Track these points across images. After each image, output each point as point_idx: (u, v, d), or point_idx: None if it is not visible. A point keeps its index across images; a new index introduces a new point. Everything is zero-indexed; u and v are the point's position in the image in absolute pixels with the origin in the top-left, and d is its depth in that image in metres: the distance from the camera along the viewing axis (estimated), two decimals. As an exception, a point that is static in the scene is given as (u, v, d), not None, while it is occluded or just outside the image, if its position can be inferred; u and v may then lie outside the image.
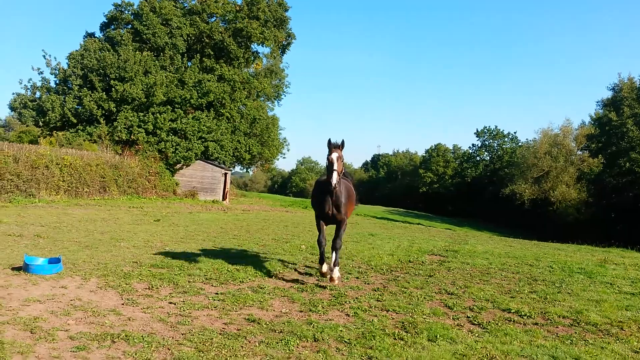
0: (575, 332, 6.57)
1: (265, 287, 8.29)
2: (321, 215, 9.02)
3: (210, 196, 36.07)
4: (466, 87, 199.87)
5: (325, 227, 9.13)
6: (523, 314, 7.30)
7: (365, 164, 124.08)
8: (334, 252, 8.97)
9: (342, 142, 8.65)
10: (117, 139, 33.42)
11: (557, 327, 6.80)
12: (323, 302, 7.49)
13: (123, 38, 35.88)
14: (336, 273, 8.77)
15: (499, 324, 6.75)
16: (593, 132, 55.96)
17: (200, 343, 5.42)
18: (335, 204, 8.76)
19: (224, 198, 37.19)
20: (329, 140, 8.56)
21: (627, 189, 47.57)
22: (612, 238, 30.96)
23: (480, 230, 44.48)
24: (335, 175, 8.12)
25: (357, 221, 29.62)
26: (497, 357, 5.45)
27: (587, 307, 7.83)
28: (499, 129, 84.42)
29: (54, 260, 8.57)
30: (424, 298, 8.10)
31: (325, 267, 8.89)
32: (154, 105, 34.42)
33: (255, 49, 43.23)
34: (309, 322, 6.40)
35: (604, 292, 9.05)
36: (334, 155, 8.33)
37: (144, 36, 36.45)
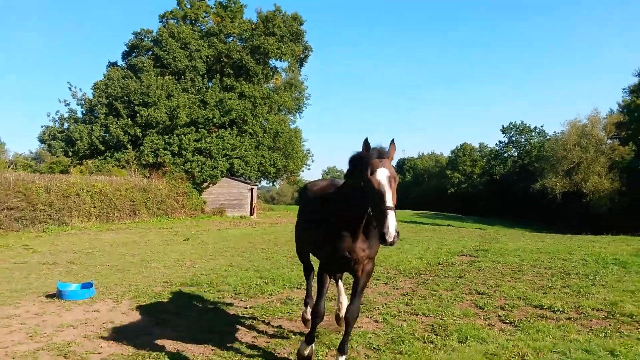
0: (610, 325, 6.42)
1: (294, 299, 8.33)
2: (331, 262, 4.97)
3: (238, 212, 36.43)
4: (487, 86, 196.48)
5: (328, 282, 5.11)
6: (556, 309, 7.17)
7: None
8: (346, 326, 5.08)
9: (392, 142, 4.49)
10: (144, 162, 34.13)
11: (590, 321, 6.65)
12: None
13: (144, 64, 36.79)
14: None
15: (531, 321, 6.64)
16: (622, 119, 54.66)
17: (229, 358, 5.49)
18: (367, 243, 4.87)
19: (251, 213, 37.48)
20: (367, 142, 4.42)
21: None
22: (649, 226, 30.04)
23: (512, 228, 43.69)
24: (393, 220, 3.98)
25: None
26: (528, 354, 5.36)
27: (622, 298, 7.64)
28: (525, 124, 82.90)
29: (87, 285, 8.78)
30: (454, 300, 8.02)
31: (308, 350, 5.22)
32: (178, 127, 35.07)
33: (273, 64, 43.74)
34: (338, 330, 6.40)
35: (640, 282, 8.81)
36: (384, 174, 4.17)
37: (165, 61, 37.28)
